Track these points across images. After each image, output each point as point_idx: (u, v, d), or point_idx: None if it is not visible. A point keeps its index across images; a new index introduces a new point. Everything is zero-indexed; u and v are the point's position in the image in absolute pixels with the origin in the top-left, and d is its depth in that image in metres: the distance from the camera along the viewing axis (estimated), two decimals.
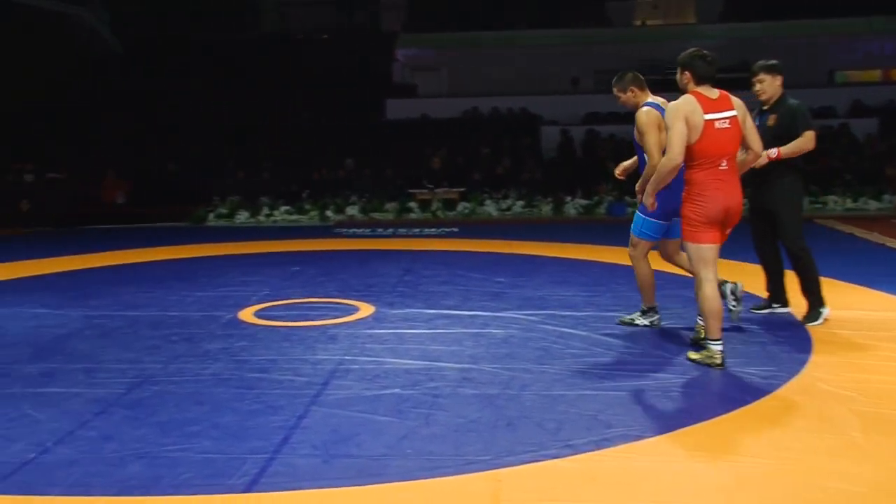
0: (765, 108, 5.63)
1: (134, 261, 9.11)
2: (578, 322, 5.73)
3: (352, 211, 13.87)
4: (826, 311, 5.59)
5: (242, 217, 13.77)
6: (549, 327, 5.60)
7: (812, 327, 5.45)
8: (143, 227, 13.12)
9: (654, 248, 5.51)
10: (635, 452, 3.37)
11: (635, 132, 5.25)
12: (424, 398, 4.10)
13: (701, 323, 4.87)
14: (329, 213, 13.82)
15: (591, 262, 8.45)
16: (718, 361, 4.54)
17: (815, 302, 5.59)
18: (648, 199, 4.83)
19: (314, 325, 5.80)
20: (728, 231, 4.68)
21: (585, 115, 18.69)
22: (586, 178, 14.50)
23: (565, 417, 3.79)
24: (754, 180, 5.57)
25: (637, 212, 5.43)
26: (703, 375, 4.43)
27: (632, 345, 5.09)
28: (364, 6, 22.85)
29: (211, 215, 13.97)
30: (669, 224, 5.26)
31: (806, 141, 5.39)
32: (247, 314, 6.18)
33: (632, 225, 5.50)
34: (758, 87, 5.58)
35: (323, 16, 22.82)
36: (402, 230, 11.84)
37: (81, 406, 4.06)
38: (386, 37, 21.18)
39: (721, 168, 4.51)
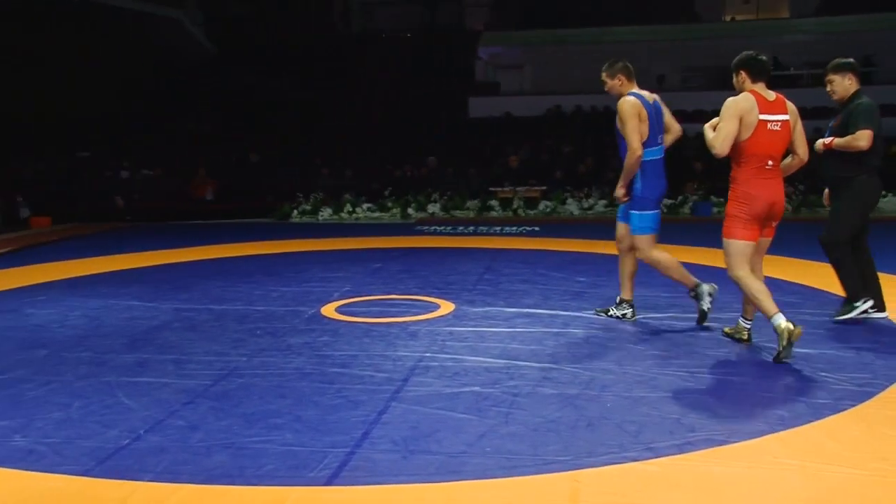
0: (839, 108, 5.62)
1: (221, 256, 9.37)
2: (661, 323, 5.63)
3: (433, 209, 13.94)
4: (862, 306, 5.55)
5: (326, 214, 13.99)
6: (631, 328, 5.52)
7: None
8: (231, 222, 13.47)
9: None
10: (720, 458, 3.28)
11: (617, 121, 5.55)
12: (504, 397, 4.09)
13: (745, 325, 5.13)
14: (411, 210, 13.92)
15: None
16: (792, 328, 4.55)
17: (850, 296, 5.60)
18: (619, 192, 5.20)
19: (395, 322, 5.85)
20: (774, 224, 4.86)
21: (672, 113, 18.30)
22: (671, 176, 14.20)
23: (647, 420, 3.73)
24: (835, 186, 5.67)
25: (632, 212, 5.56)
26: (794, 380, 4.29)
27: (717, 347, 4.97)
28: (448, 5, 22.93)
29: (295, 212, 14.24)
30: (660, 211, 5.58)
31: (855, 138, 5.36)
32: (329, 310, 6.27)
33: (631, 228, 5.60)
34: (828, 87, 5.61)
35: (408, 15, 23.01)
36: (482, 228, 11.84)
37: (171, 396, 4.19)
38: (469, 35, 21.21)
39: (767, 167, 4.66)
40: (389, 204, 14.21)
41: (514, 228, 11.73)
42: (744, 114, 4.58)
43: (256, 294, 6.98)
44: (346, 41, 22.33)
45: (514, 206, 13.74)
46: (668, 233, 10.59)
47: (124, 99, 18.69)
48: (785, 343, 4.55)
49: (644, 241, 5.51)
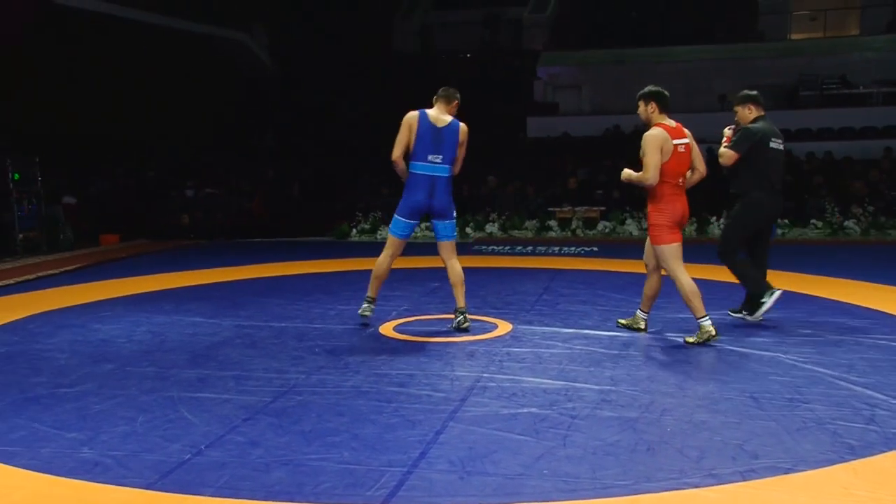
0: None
1: (281, 273, 9.50)
2: (722, 346, 5.52)
3: (491, 228, 13.94)
4: (770, 299, 6.18)
5: (384, 233, 14.08)
6: (692, 351, 5.43)
7: None
8: (291, 241, 13.66)
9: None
10: (785, 487, 3.20)
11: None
12: (562, 419, 4.05)
13: (643, 316, 6.01)
14: (469, 230, 13.93)
15: (736, 284, 8.10)
16: (713, 332, 5.57)
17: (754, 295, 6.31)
18: None
19: (452, 342, 5.85)
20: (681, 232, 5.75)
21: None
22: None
23: (709, 445, 3.65)
24: (734, 200, 6.61)
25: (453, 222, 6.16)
26: (864, 407, 4.16)
27: (781, 372, 4.85)
28: (508, 25, 23.00)
29: (354, 231, 14.38)
30: (417, 223, 6.19)
31: (719, 154, 6.49)
32: (387, 328, 6.31)
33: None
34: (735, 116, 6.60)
35: (468, 35, 23.15)
36: (540, 248, 11.79)
37: (231, 412, 4.25)
38: (528, 55, 21.23)
39: (678, 184, 5.68)
40: None
41: (573, 249, 11.66)
42: (663, 144, 5.57)
43: (315, 312, 7.06)
44: (407, 61, 22.54)
45: (573, 226, 13.66)
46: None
47: (193, 120, 19.15)
48: (701, 340, 5.55)
49: (393, 243, 6.24)
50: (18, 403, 4.51)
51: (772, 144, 6.30)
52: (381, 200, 15.56)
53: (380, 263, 6.33)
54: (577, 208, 13.96)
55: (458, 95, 6.32)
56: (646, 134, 5.66)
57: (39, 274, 9.74)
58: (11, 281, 9.22)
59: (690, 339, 5.64)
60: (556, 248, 11.73)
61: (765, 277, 6.40)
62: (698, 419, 4.01)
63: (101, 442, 3.83)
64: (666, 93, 5.80)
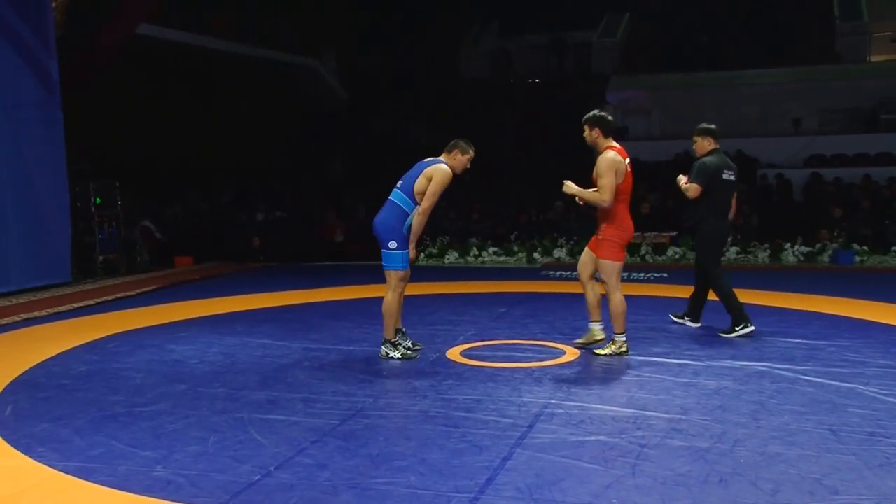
0: None
1: (350, 297, 9.60)
2: (798, 376, 5.37)
3: (559, 254, 13.85)
4: (744, 330, 6.74)
5: (451, 257, 14.13)
6: (765, 380, 5.29)
7: None
8: (359, 264, 13.79)
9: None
10: None
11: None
12: (631, 447, 3.98)
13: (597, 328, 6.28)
14: (536, 255, 13.86)
15: (812, 312, 7.92)
16: (625, 349, 6.05)
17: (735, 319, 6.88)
18: None
19: (520, 367, 5.82)
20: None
21: (808, 158, 17.63)
22: (808, 223, 13.63)
23: (784, 478, 3.55)
24: (693, 227, 7.22)
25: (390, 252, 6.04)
26: None
27: (861, 404, 4.69)
28: (577, 50, 22.96)
29: (422, 255, 14.45)
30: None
31: (685, 188, 6.97)
32: (454, 353, 6.31)
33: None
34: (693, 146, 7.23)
35: (536, 60, 23.18)
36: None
37: (299, 434, 4.30)
38: (598, 79, 21.14)
39: (627, 202, 6.00)
40: (515, 248, 14.20)
41: (642, 275, 11.50)
42: (617, 166, 5.83)
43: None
44: (475, 87, 22.68)
45: (642, 252, 13.48)
46: (805, 282, 10.18)
47: (265, 145, 19.59)
48: (609, 353, 6.03)
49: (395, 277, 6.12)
50: (97, 421, 4.65)
51: (724, 176, 6.92)
52: (448, 225, 15.62)
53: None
54: (646, 234, 13.77)
55: (463, 146, 6.18)
56: (601, 157, 5.92)
57: (118, 295, 10.05)
58: (92, 301, 9.53)
59: (601, 352, 6.08)
60: (625, 274, 11.53)
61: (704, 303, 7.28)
62: (773, 451, 3.91)
63: (174, 461, 3.92)
64: (609, 118, 6.08)
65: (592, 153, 6.27)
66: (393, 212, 6.07)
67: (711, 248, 7.05)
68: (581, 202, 6.16)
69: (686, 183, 6.97)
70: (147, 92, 16.91)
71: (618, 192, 5.87)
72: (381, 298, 6.22)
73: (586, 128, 6.07)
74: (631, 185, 6.01)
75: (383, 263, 6.10)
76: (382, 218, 6.09)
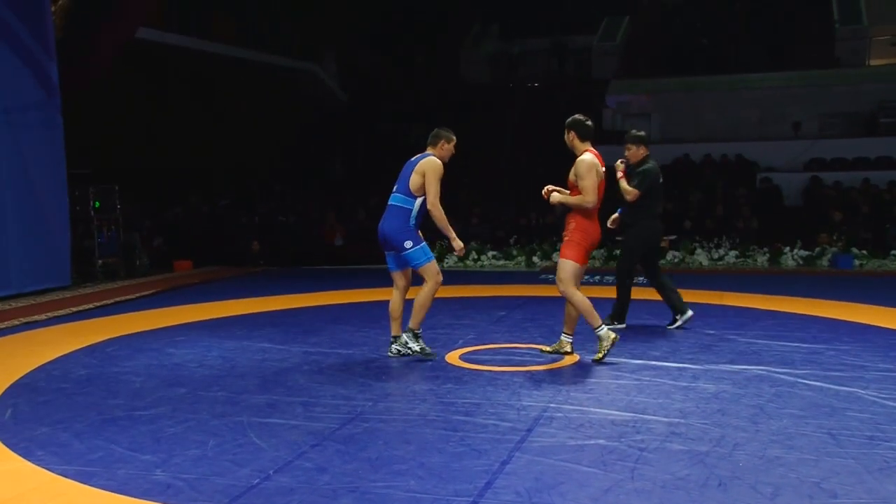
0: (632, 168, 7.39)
1: (350, 301, 9.61)
2: (797, 380, 5.37)
3: (558, 257, 13.87)
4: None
5: (451, 261, 14.13)
6: (764, 384, 5.29)
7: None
8: (359, 268, 13.80)
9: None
10: None
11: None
12: (630, 451, 3.99)
13: (568, 340, 6.29)
14: (536, 259, 13.88)
15: (811, 316, 7.92)
16: (614, 336, 5.98)
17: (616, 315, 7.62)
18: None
19: (519, 371, 5.82)
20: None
21: (808, 162, 17.65)
22: (808, 227, 13.65)
23: (783, 482, 3.55)
24: (627, 227, 7.55)
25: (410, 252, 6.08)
26: None
27: (860, 408, 4.69)
28: (576, 54, 22.99)
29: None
30: (388, 254, 6.28)
31: (626, 192, 7.29)
32: (453, 357, 6.31)
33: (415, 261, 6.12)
34: (626, 153, 7.41)
35: (536, 64, 23.21)
36: (608, 278, 11.65)
37: (299, 437, 4.31)
38: (597, 83, 21.15)
39: (598, 209, 6.02)
40: (514, 252, 14.21)
41: (641, 279, 11.49)
42: (597, 167, 5.90)
43: (382, 339, 7.09)
44: (474, 91, 22.70)
45: None
46: (804, 286, 10.18)
47: (264, 149, 19.60)
48: (607, 350, 5.95)
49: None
50: (97, 424, 4.65)
51: (660, 181, 7.41)
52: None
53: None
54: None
55: (445, 134, 6.29)
56: (579, 160, 5.96)
57: (117, 299, 10.05)
58: (91, 305, 9.53)
59: (598, 357, 6.01)
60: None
61: (676, 292, 7.65)
62: (772, 455, 3.91)
63: (173, 465, 3.92)
64: (587, 122, 6.12)
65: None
66: (396, 215, 6.13)
67: (641, 248, 7.47)
68: (557, 206, 6.17)
69: (628, 185, 7.27)
70: (147, 95, 16.93)
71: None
72: (382, 301, 6.25)
73: (566, 131, 6.13)
74: (602, 193, 6.03)
75: (412, 265, 6.16)
76: (388, 224, 6.14)
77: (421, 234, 6.19)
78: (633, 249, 7.50)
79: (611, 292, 8.03)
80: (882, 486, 3.49)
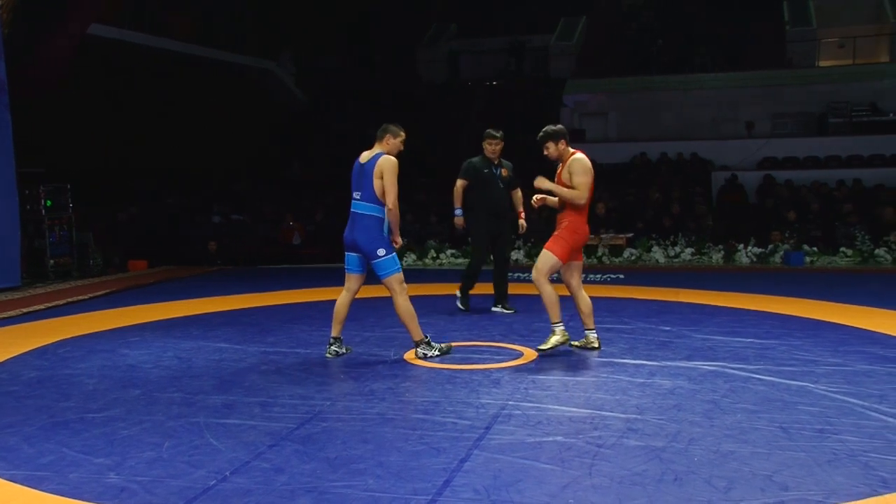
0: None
1: (307, 300, 9.54)
2: (750, 375, 5.46)
3: (517, 255, 13.91)
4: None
5: (409, 260, 14.10)
6: (719, 380, 5.37)
7: None
8: (317, 267, 13.71)
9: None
10: None
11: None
12: (588, 447, 4.02)
13: (593, 336, 6.37)
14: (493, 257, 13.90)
15: (764, 312, 8.06)
16: (566, 338, 6.13)
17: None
18: None
19: (478, 369, 5.84)
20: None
21: (761, 161, 17.97)
22: (760, 225, 13.88)
23: (737, 475, 3.61)
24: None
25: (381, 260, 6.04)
26: None
27: (810, 402, 4.78)
28: (534, 53, 23.12)
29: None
30: (352, 256, 6.21)
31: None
32: (411, 355, 6.30)
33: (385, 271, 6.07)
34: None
35: (493, 63, 23.29)
36: (592, 276, 11.73)
37: (257, 438, 4.27)
38: (555, 83, 21.29)
39: (588, 208, 6.16)
40: (470, 250, 14.21)
41: (599, 276, 11.60)
42: (591, 169, 6.09)
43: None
44: (432, 90, 22.70)
45: (599, 253, 13.60)
46: (757, 283, 10.35)
47: (221, 148, 19.38)
48: (552, 346, 6.07)
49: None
50: (48, 428, 4.56)
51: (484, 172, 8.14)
52: (406, 227, 15.59)
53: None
54: (602, 235, 13.89)
55: (394, 130, 6.22)
56: (576, 157, 6.10)
57: (70, 299, 9.86)
58: (42, 306, 9.35)
59: (544, 346, 6.14)
60: (583, 276, 11.66)
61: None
62: (726, 449, 3.97)
63: (127, 467, 3.86)
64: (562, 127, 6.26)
65: (546, 155, 6.29)
66: (368, 224, 6.04)
67: (474, 245, 8.60)
68: (539, 203, 6.20)
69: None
70: (103, 94, 16.64)
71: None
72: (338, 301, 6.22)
73: (551, 144, 6.14)
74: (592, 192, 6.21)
75: (378, 273, 6.08)
76: (359, 234, 6.05)
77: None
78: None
79: (596, 291, 8.10)
80: (831, 478, 3.57)
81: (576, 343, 6.43)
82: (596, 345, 6.35)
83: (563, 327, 6.12)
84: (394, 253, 6.10)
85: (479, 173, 8.17)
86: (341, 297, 6.32)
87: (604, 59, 21.59)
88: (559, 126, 6.24)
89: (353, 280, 6.29)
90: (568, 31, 22.82)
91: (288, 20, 22.49)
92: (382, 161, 6.05)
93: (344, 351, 6.38)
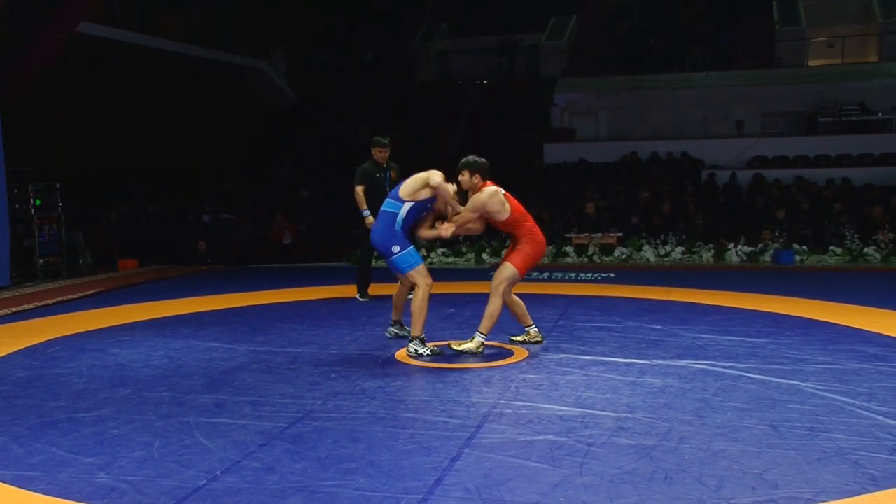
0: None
1: (298, 299, 9.52)
2: (741, 374, 5.48)
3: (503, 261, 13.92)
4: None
5: None
6: (709, 378, 5.39)
7: None
8: (308, 266, 13.69)
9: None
10: None
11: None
12: (578, 446, 4.02)
13: (534, 331, 6.62)
14: (485, 256, 13.91)
15: (754, 311, 8.08)
16: (482, 351, 6.20)
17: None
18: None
19: (468, 368, 5.84)
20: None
21: (751, 160, 18.04)
22: (751, 223, 13.92)
23: (727, 474, 3.62)
24: None
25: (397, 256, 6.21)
26: (888, 437, 4.10)
27: (800, 400, 4.80)
28: (525, 52, 23.14)
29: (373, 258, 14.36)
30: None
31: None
32: (402, 354, 6.30)
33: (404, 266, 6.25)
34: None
35: (484, 63, 23.30)
36: (557, 274, 11.76)
37: (247, 437, 4.26)
38: (545, 82, 21.31)
39: (532, 221, 6.34)
40: (464, 249, 14.23)
41: (590, 275, 11.62)
42: (494, 198, 6.13)
43: (331, 338, 7.07)
44: (423, 89, 22.69)
45: (590, 252, 13.62)
46: (748, 281, 10.39)
47: (212, 147, 19.33)
48: (466, 349, 6.16)
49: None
50: (37, 428, 4.54)
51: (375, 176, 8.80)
52: None
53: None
54: (593, 234, 13.91)
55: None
56: (475, 196, 6.15)
57: (59, 299, 9.82)
58: (31, 306, 9.30)
59: (458, 347, 6.23)
60: (573, 275, 11.69)
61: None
62: (716, 448, 3.98)
63: (117, 467, 3.85)
64: (487, 163, 6.28)
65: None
66: (382, 221, 6.26)
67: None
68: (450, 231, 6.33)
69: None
70: (92, 93, 16.57)
71: (519, 216, 6.24)
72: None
73: (466, 173, 6.18)
74: (522, 207, 6.36)
75: (399, 269, 6.27)
76: (375, 229, 6.32)
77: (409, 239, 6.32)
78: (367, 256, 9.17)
79: (586, 289, 8.17)
80: (820, 476, 3.58)
81: (518, 338, 6.66)
82: (539, 339, 6.61)
83: (484, 339, 6.24)
84: (409, 248, 6.22)
85: (372, 178, 8.73)
86: (398, 288, 6.83)
87: (594, 59, 21.62)
88: (475, 158, 6.25)
89: (401, 277, 6.53)
90: (558, 30, 22.86)
91: (279, 19, 22.45)
92: (431, 174, 6.24)
93: (425, 355, 6.22)
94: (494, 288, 6.19)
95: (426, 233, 6.45)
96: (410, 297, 6.43)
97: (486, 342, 6.35)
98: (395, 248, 6.17)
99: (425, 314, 6.24)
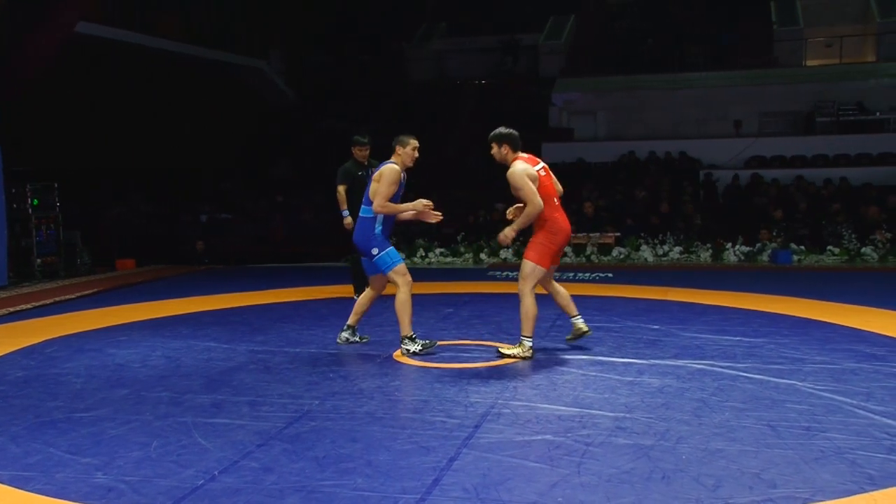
0: None
1: (296, 299, 9.52)
2: (738, 373, 5.48)
3: (505, 254, 13.92)
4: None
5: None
6: (707, 378, 5.39)
7: None
8: (306, 266, 13.69)
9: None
10: None
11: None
12: (576, 446, 4.03)
13: (579, 323, 6.37)
14: (483, 255, 13.92)
15: (752, 311, 8.09)
16: (531, 355, 6.01)
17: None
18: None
19: (466, 367, 5.84)
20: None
21: (749, 159, 18.05)
22: (748, 223, 13.93)
23: (725, 474, 3.62)
24: None
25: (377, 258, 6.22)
26: (884, 437, 4.11)
27: (798, 400, 4.81)
28: (523, 51, 23.15)
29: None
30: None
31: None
32: (400, 354, 6.30)
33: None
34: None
35: (482, 62, 23.30)
36: (555, 274, 11.75)
37: (245, 437, 4.26)
38: (544, 81, 21.32)
39: (558, 204, 6.05)
40: (462, 249, 14.24)
41: (588, 275, 11.62)
42: (527, 171, 5.85)
43: (329, 337, 7.06)
44: (421, 88, 22.68)
45: (588, 252, 13.63)
46: (745, 281, 10.39)
47: (210, 146, 19.32)
48: (514, 353, 6.00)
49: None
50: (34, 427, 4.54)
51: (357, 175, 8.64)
52: (395, 225, 15.56)
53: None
54: (591, 234, 13.92)
55: (403, 140, 6.28)
56: (510, 172, 5.91)
57: (57, 298, 9.81)
58: (29, 305, 9.29)
59: (506, 351, 6.10)
60: (571, 274, 11.69)
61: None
62: (714, 447, 3.98)
63: (115, 467, 3.85)
64: (516, 133, 6.08)
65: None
66: (361, 225, 6.35)
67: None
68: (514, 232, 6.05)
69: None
70: (91, 92, 16.55)
71: (543, 197, 5.86)
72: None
73: (494, 146, 6.08)
74: (554, 189, 6.08)
75: (381, 270, 6.30)
76: (356, 234, 6.39)
77: (389, 240, 6.37)
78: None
79: (585, 289, 8.14)
80: (818, 476, 3.59)
81: (569, 337, 6.52)
82: (585, 329, 6.38)
83: (531, 343, 6.08)
84: (389, 249, 6.26)
85: (354, 177, 8.71)
86: (366, 292, 6.69)
87: (593, 58, 21.63)
88: (502, 130, 6.11)
89: (374, 280, 6.55)
90: (557, 30, 22.88)
91: (279, 19, 22.44)
92: (384, 167, 6.23)
93: (417, 352, 6.25)
94: (520, 290, 6.00)
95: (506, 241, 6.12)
96: (356, 298, 6.49)
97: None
98: (375, 251, 6.23)
99: (409, 312, 6.25)
